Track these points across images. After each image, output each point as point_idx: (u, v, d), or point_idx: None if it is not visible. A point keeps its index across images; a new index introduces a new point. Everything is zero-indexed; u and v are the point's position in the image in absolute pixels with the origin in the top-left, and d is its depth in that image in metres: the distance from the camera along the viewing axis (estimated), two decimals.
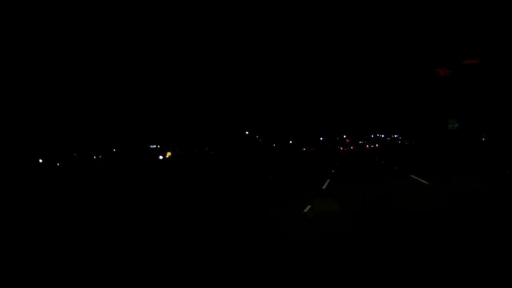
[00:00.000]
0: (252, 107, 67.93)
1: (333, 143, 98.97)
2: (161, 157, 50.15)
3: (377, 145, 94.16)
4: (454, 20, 37.21)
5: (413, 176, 16.70)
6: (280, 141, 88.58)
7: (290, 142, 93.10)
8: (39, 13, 39.29)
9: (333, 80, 76.86)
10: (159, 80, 58.13)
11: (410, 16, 44.45)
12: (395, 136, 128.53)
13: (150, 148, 54.63)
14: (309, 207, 9.70)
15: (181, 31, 51.37)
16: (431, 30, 43.42)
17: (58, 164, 32.53)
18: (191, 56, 59.55)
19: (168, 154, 52.10)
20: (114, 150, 50.53)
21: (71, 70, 46.19)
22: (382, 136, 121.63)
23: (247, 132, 63.54)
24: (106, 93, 51.66)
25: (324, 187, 15.05)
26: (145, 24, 47.63)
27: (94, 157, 41.84)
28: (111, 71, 50.11)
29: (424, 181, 15.28)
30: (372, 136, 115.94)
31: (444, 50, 42.37)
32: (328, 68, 71.93)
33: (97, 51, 48.35)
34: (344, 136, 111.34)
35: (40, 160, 35.00)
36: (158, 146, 63.96)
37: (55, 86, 44.45)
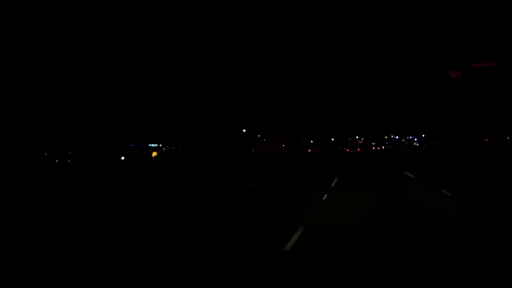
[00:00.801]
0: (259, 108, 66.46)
1: (343, 144, 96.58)
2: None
3: (383, 147, 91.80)
4: (466, 23, 35.07)
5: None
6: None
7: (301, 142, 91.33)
8: (39, 12, 38.59)
9: (343, 81, 74.53)
10: (164, 79, 57.24)
11: (425, 18, 42.08)
12: (411, 137, 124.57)
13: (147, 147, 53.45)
14: None
15: (180, 31, 50.01)
16: (443, 32, 41.27)
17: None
18: (197, 58, 58.19)
19: (154, 154, 50.95)
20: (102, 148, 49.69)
21: (71, 69, 45.59)
22: (397, 137, 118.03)
23: (244, 130, 62.01)
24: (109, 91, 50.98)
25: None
26: (146, 24, 46.40)
27: (87, 155, 40.75)
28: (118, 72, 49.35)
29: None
30: (386, 137, 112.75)
31: (455, 53, 40.19)
32: (340, 70, 69.53)
33: (101, 50, 47.51)
34: (357, 137, 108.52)
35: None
36: (160, 145, 63.17)
37: (54, 85, 43.96)
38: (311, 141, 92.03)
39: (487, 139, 60.47)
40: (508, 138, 51.81)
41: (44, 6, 37.49)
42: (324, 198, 12.18)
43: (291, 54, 66.01)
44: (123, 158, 35.61)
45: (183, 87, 59.20)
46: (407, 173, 21.69)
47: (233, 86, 64.09)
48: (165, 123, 59.70)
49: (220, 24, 47.13)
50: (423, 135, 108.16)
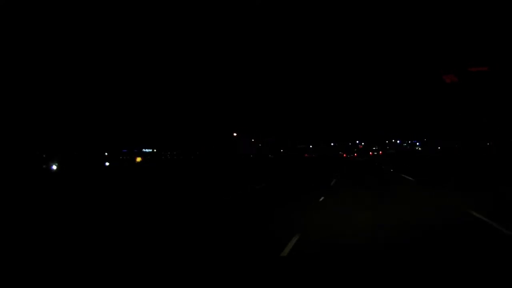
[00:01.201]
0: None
1: (342, 149, 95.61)
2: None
3: (380, 152, 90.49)
4: (462, 27, 34.56)
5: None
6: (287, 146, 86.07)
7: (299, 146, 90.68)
8: (39, 12, 38.33)
9: (344, 86, 73.86)
10: (161, 83, 56.71)
11: (421, 23, 41.52)
12: (412, 142, 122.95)
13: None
14: None
15: (177, 35, 49.53)
16: (439, 36, 40.73)
17: None
18: (194, 61, 57.60)
19: (138, 159, 50.26)
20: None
21: (67, 74, 45.23)
22: (398, 141, 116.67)
23: (235, 134, 61.23)
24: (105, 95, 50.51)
25: None
26: (143, 29, 46.00)
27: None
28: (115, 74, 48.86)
29: None
30: (387, 141, 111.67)
31: (451, 57, 39.61)
32: (341, 74, 68.82)
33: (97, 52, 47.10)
34: (357, 142, 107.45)
35: None
36: (155, 150, 62.26)
37: (48, 89, 43.64)
38: (310, 146, 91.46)
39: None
40: None
41: (43, 6, 37.18)
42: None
43: (292, 58, 65.42)
44: (107, 164, 34.87)
45: (180, 91, 58.63)
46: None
47: (232, 89, 63.50)
48: (161, 128, 59.16)
49: (219, 25, 46.49)
50: (425, 139, 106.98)
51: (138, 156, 51.41)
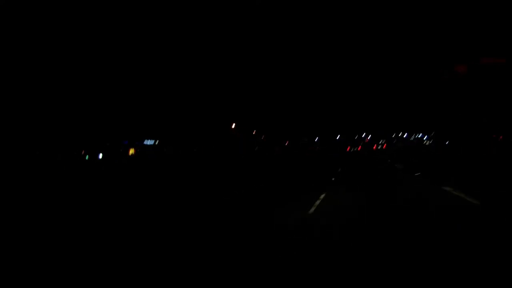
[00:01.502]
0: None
1: (348, 143, 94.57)
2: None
3: (384, 146, 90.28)
4: (473, 19, 33.74)
5: None
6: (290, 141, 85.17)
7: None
8: (38, 11, 38.07)
9: (349, 80, 73.00)
10: (163, 77, 56.21)
11: (430, 14, 40.63)
12: (420, 135, 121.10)
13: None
14: None
15: (177, 31, 48.92)
16: (451, 29, 39.92)
17: None
18: (196, 57, 56.92)
19: (131, 151, 50.13)
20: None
21: (66, 66, 44.83)
22: (405, 135, 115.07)
23: (233, 126, 60.58)
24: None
25: None
26: (141, 22, 45.44)
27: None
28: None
29: None
30: (393, 135, 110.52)
31: (462, 49, 38.84)
32: (344, 69, 67.91)
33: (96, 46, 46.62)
34: (363, 136, 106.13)
35: None
36: (157, 143, 61.61)
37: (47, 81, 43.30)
38: (315, 140, 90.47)
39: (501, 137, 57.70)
40: None
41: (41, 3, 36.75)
42: None
43: (293, 54, 64.55)
44: (101, 156, 34.71)
45: (182, 86, 58.10)
46: None
47: (235, 86, 62.95)
48: (165, 120, 58.63)
49: (219, 24, 45.83)
50: (431, 134, 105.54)
51: (131, 148, 51.46)
